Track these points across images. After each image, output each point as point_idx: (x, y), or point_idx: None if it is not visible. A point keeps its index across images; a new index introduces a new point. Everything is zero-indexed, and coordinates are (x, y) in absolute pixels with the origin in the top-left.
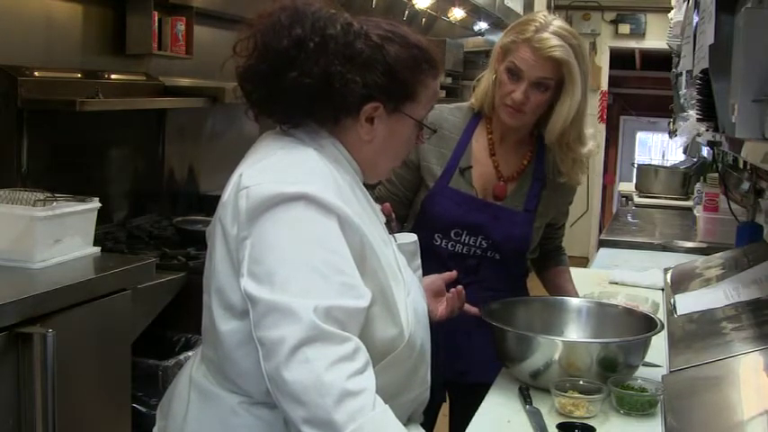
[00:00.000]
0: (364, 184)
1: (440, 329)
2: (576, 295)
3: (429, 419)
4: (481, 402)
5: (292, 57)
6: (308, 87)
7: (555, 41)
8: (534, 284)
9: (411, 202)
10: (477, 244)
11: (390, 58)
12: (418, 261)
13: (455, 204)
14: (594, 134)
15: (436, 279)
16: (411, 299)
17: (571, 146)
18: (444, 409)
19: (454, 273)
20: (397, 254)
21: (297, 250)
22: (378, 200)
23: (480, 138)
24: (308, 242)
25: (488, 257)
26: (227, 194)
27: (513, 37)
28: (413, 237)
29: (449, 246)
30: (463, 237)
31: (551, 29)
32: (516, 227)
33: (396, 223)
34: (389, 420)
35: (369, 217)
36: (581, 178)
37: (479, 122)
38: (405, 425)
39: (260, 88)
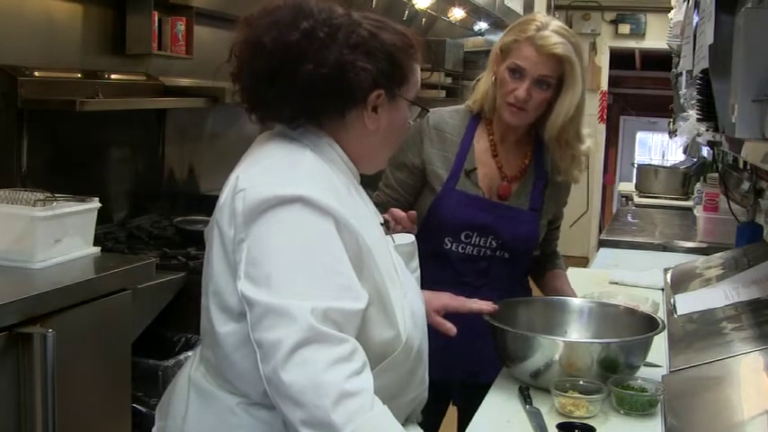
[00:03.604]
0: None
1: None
2: (575, 296)
3: (435, 420)
4: None
5: (304, 49)
6: (324, 78)
7: (556, 39)
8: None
9: (411, 207)
10: (488, 244)
11: (387, 44)
12: (416, 262)
13: (464, 206)
14: (592, 133)
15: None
16: (408, 300)
17: (570, 143)
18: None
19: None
20: (393, 255)
21: (293, 252)
22: (378, 206)
23: (481, 139)
24: (304, 244)
25: (497, 257)
26: (224, 197)
27: (513, 36)
28: (410, 238)
29: (459, 248)
30: (473, 238)
31: (552, 27)
32: (524, 225)
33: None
34: (388, 421)
35: (365, 218)
36: (579, 176)
37: (479, 124)
38: (403, 425)
39: (270, 88)
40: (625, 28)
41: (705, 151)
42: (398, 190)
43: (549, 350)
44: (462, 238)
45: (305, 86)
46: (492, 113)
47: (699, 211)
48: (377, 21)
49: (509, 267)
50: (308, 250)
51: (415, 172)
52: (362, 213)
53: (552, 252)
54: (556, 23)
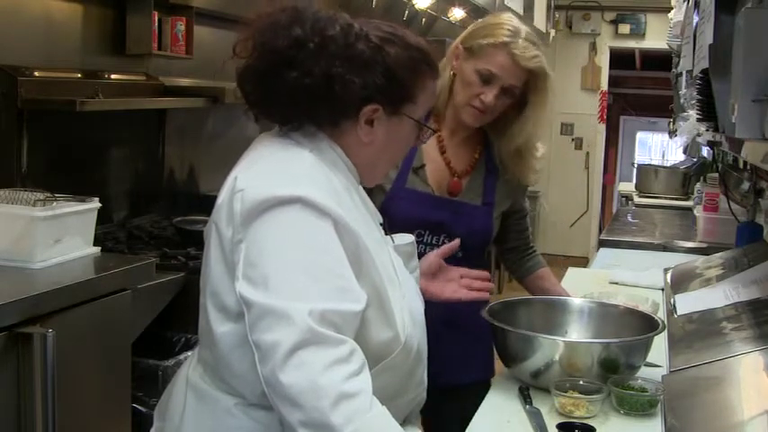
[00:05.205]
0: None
1: None
2: (568, 295)
3: None
4: (453, 405)
5: (291, 56)
6: (307, 88)
7: (534, 51)
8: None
9: None
10: (440, 243)
11: (390, 59)
12: (415, 262)
13: (415, 204)
14: (543, 140)
15: (432, 260)
16: (407, 301)
17: (523, 154)
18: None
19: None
20: (392, 255)
21: (292, 254)
22: None
23: None
24: (302, 245)
25: (452, 257)
26: (222, 197)
27: (485, 40)
28: (410, 238)
29: None
30: (426, 237)
31: (524, 34)
32: (477, 221)
33: None
34: (386, 421)
35: (364, 219)
36: (531, 179)
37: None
38: (402, 425)
39: (258, 89)
40: (625, 28)
41: (705, 151)
42: None
43: (549, 350)
44: (415, 237)
45: (290, 93)
46: (444, 109)
47: (699, 211)
48: (389, 33)
49: (462, 266)
50: (306, 251)
51: None
52: (361, 214)
53: (528, 247)
54: (525, 29)
